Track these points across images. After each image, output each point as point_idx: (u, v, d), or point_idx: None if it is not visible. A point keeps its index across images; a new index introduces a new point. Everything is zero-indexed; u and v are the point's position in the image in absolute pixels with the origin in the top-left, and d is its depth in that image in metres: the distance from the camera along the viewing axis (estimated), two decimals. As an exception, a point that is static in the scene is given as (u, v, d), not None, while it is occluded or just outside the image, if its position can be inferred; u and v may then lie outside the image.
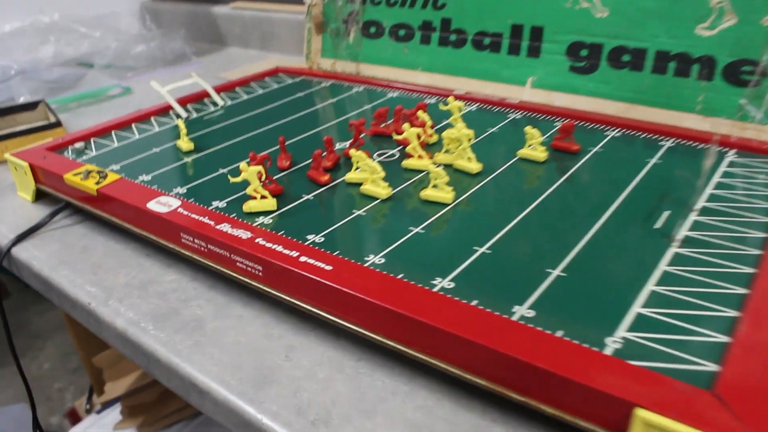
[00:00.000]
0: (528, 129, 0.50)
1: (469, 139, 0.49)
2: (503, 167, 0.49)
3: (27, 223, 0.52)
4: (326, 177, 0.47)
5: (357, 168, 0.48)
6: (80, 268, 0.45)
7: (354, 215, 0.43)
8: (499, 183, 0.46)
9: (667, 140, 0.52)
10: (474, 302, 0.32)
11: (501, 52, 0.67)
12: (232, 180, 0.44)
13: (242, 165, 0.44)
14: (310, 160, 0.51)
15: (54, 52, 1.00)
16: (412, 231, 0.40)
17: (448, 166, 0.50)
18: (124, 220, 0.47)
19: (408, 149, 0.50)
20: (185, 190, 0.48)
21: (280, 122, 0.62)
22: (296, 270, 0.35)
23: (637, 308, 0.32)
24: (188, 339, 0.37)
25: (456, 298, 0.32)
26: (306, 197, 0.46)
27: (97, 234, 0.50)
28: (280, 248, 0.37)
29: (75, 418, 1.32)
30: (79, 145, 0.58)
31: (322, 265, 0.35)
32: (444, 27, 0.71)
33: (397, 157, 0.52)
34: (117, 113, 0.75)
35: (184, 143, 0.56)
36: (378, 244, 0.39)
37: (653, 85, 0.58)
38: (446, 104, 0.56)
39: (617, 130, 0.54)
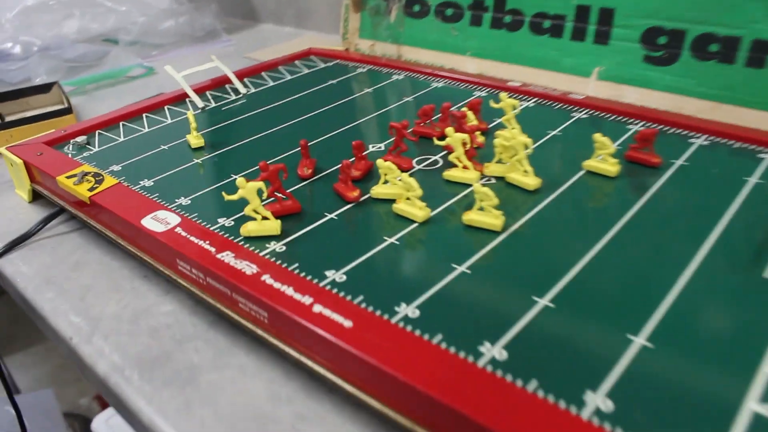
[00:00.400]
0: (597, 137, 0.41)
1: (526, 147, 0.40)
2: (566, 184, 0.40)
3: (20, 228, 0.46)
4: (355, 193, 0.40)
5: (385, 181, 0.40)
6: (68, 289, 0.39)
7: (384, 244, 0.35)
8: (561, 205, 0.38)
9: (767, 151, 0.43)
10: (532, 386, 0.25)
11: (563, 37, 0.58)
12: (227, 198, 0.37)
13: (239, 180, 0.36)
14: (338, 166, 0.44)
15: (78, 28, 0.93)
16: (454, 270, 0.32)
17: (500, 179, 0.42)
18: (118, 236, 0.40)
19: (451, 157, 0.42)
20: (189, 202, 0.41)
21: (308, 115, 0.55)
22: (307, 324, 0.28)
23: (751, 404, 0.24)
24: (178, 395, 0.31)
25: (509, 380, 0.25)
26: (329, 216, 0.38)
27: (93, 247, 0.44)
28: (290, 291, 0.30)
29: (103, 402, 1.30)
30: (81, 139, 0.51)
31: (340, 320, 0.28)
32: (498, 6, 0.62)
33: (440, 165, 0.44)
34: (136, 97, 0.69)
35: (193, 139, 0.49)
36: (412, 287, 0.31)
37: (747, 81, 0.48)
38: (498, 102, 0.48)
39: (704, 137, 0.45)
